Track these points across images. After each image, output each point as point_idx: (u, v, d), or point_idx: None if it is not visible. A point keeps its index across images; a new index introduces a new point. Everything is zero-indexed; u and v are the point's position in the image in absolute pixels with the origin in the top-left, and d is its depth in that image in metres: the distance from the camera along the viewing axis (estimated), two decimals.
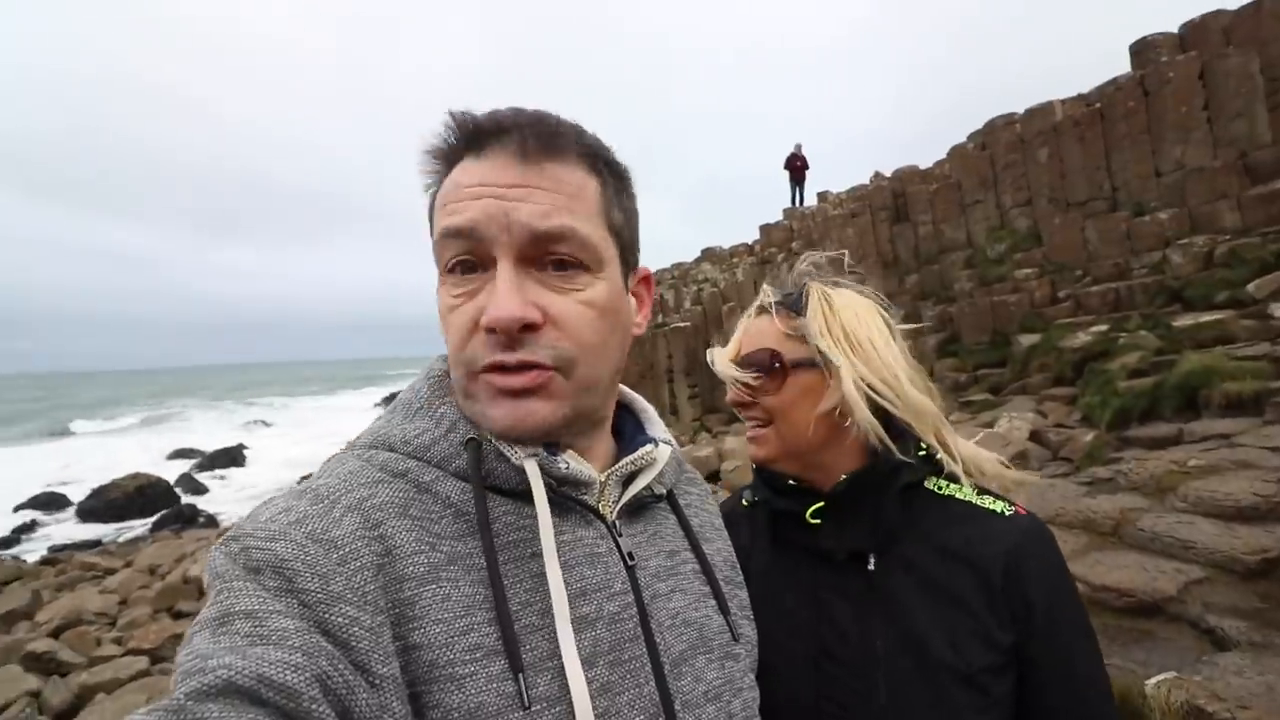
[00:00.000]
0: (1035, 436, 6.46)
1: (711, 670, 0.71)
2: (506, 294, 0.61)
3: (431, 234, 0.69)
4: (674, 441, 0.83)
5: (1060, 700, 0.86)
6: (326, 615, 0.51)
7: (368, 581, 0.55)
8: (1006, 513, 0.93)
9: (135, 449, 29.45)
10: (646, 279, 0.79)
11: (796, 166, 18.55)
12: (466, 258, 0.64)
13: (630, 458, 0.74)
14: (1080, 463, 5.64)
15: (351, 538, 0.56)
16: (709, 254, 19.11)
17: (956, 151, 12.52)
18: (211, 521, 16.80)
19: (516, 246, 0.62)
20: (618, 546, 0.69)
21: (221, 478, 24.28)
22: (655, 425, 0.82)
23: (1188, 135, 8.94)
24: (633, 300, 0.76)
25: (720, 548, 0.86)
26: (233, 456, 27.17)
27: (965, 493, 0.95)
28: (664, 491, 0.78)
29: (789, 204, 18.44)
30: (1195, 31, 9.55)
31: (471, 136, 0.65)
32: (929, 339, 10.32)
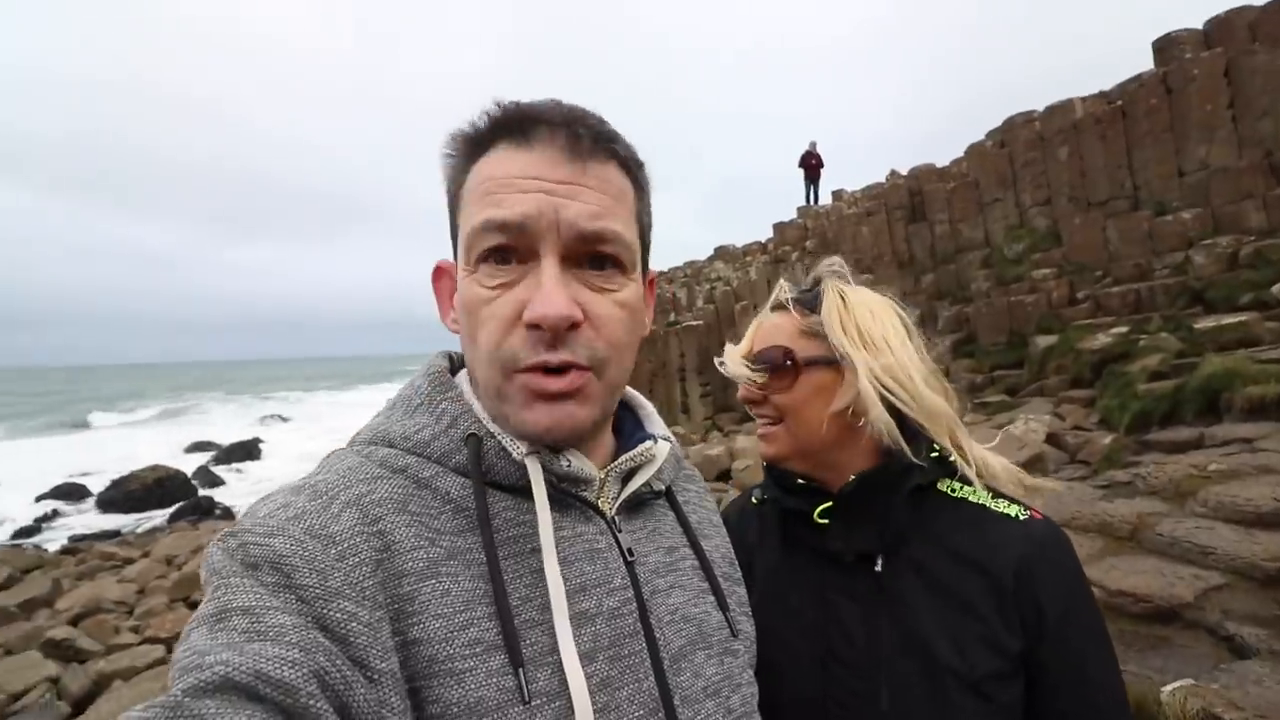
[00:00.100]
0: (1052, 439, 6.38)
1: (711, 666, 0.71)
2: (555, 291, 0.61)
3: (454, 218, 0.68)
4: (672, 438, 0.83)
5: (1071, 706, 0.84)
6: (324, 611, 0.51)
7: (366, 577, 0.54)
8: (1021, 517, 0.91)
9: (153, 442, 29.90)
10: (652, 282, 0.80)
11: (811, 165, 18.43)
12: (504, 248, 0.63)
13: (629, 454, 0.74)
14: (1098, 466, 5.57)
15: (350, 533, 0.56)
16: (722, 252, 19.06)
17: (975, 150, 12.37)
18: (228, 514, 17.00)
19: (563, 244, 0.62)
20: (617, 542, 0.69)
21: (238, 471, 24.57)
22: (654, 422, 0.83)
23: (1212, 134, 8.78)
24: None
25: (718, 544, 0.85)
26: (249, 450, 27.48)
27: (979, 495, 0.93)
28: (663, 488, 0.78)
29: (803, 202, 18.34)
30: (1220, 28, 9.36)
31: (518, 125, 0.64)
32: (945, 339, 10.22)
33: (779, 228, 17.39)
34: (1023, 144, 11.06)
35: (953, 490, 0.94)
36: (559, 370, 0.63)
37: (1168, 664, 2.57)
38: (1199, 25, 9.68)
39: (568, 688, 0.58)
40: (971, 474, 0.92)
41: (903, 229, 12.74)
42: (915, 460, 0.89)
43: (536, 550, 0.63)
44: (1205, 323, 7.14)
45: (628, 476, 0.74)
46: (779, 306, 1.00)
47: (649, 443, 0.76)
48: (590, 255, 0.64)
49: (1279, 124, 8.30)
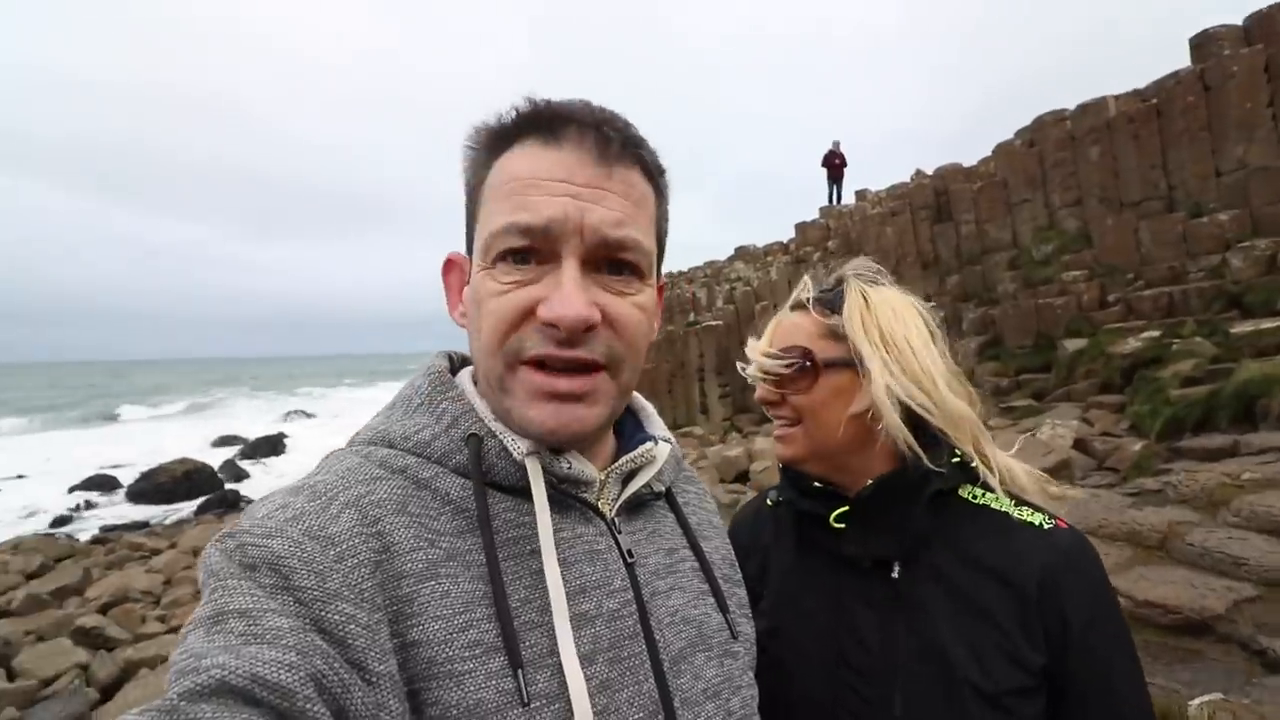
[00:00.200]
0: (1080, 445, 6.24)
1: (710, 668, 0.70)
2: (575, 293, 0.61)
3: (474, 211, 0.68)
4: (673, 439, 0.83)
5: (1097, 719, 0.81)
6: (322, 613, 0.51)
7: (365, 578, 0.54)
8: (1045, 525, 0.88)
9: (181, 435, 30.61)
10: (662, 288, 0.80)
11: (834, 164, 18.26)
12: (525, 250, 0.62)
13: (630, 455, 0.73)
14: (1127, 473, 5.45)
15: (349, 534, 0.56)
16: (742, 252, 18.95)
17: (1003, 149, 12.14)
18: None
19: (585, 248, 0.62)
20: (617, 544, 0.69)
21: (263, 465, 25.06)
22: (654, 423, 0.82)
23: (1251, 133, 8.51)
24: None
25: (718, 545, 0.85)
26: (274, 445, 28.04)
27: (1001, 503, 0.90)
28: (663, 489, 0.78)
29: (826, 202, 18.18)
30: (1261, 24, 9.06)
31: (548, 122, 0.64)
32: (970, 342, 10.05)
33: (801, 228, 17.26)
34: (1053, 143, 10.83)
35: (974, 497, 0.92)
36: (569, 370, 0.62)
37: (1197, 677, 2.51)
38: (1239, 21, 9.40)
39: (567, 690, 0.57)
40: (994, 481, 0.89)
41: (928, 229, 12.56)
42: (934, 467, 0.87)
43: (536, 552, 0.62)
44: (1242, 327, 6.94)
45: (628, 478, 0.74)
46: (799, 305, 0.98)
47: (649, 444, 0.76)
48: (609, 260, 0.64)
49: None
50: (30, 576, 9.66)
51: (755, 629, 0.86)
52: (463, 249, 0.72)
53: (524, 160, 0.63)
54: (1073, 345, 8.53)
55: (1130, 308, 8.71)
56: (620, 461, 0.73)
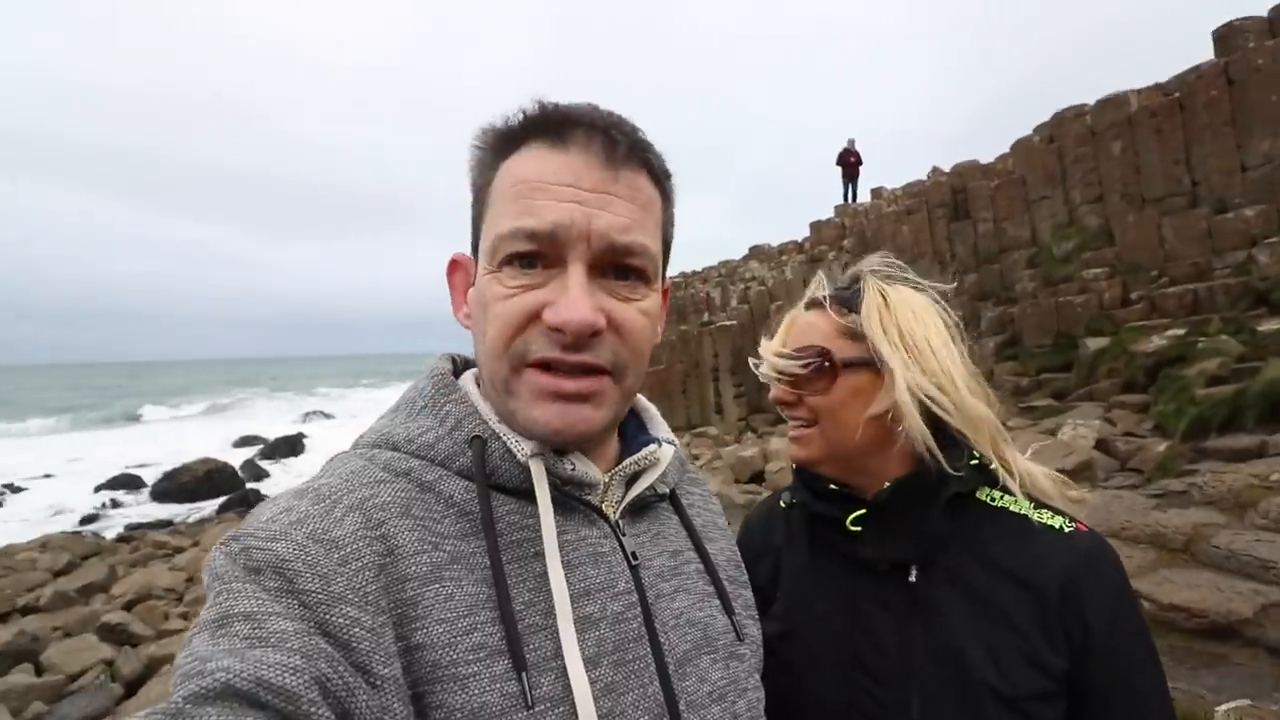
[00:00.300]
0: (1102, 445, 6.14)
1: (716, 670, 0.70)
2: (581, 298, 0.61)
3: (479, 212, 0.67)
4: (676, 441, 0.83)
5: None
6: (327, 616, 0.51)
7: (369, 582, 0.54)
8: (1066, 529, 0.87)
9: (203, 436, 31.08)
10: (667, 291, 0.80)
11: (850, 162, 18.13)
12: (531, 254, 0.62)
13: (634, 457, 0.73)
14: (1151, 474, 5.36)
15: (353, 538, 0.56)
16: (757, 252, 18.88)
17: (1021, 145, 11.98)
18: None
19: (592, 254, 0.62)
20: (621, 546, 0.69)
21: (283, 465, 25.37)
22: (657, 425, 0.82)
23: (1277, 127, 8.33)
24: None
25: (724, 547, 0.84)
26: (293, 445, 28.39)
27: (1021, 505, 0.89)
28: (667, 491, 0.78)
29: (841, 201, 18.05)
30: None
31: (555, 125, 0.64)
32: (988, 341, 9.93)
33: (816, 226, 17.16)
34: (1073, 139, 10.67)
35: (992, 499, 0.91)
36: (575, 371, 0.62)
37: (1222, 683, 2.46)
38: (1264, 13, 9.20)
39: (572, 693, 0.57)
40: (1014, 484, 0.88)
41: (945, 227, 12.43)
42: (952, 470, 0.86)
43: (540, 554, 0.62)
44: (1269, 325, 6.80)
45: (632, 480, 0.74)
46: (815, 304, 0.96)
47: (653, 446, 0.75)
48: (616, 265, 0.64)
49: None
50: (58, 574, 9.85)
51: (767, 631, 0.86)
52: (468, 250, 0.72)
53: (530, 163, 0.63)
54: (1094, 344, 8.39)
55: (1154, 305, 8.56)
56: (624, 464, 0.72)
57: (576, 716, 0.57)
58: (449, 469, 0.64)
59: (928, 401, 0.86)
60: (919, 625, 0.85)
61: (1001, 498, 0.90)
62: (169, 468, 21.35)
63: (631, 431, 0.79)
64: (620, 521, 0.71)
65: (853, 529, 0.91)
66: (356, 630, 0.51)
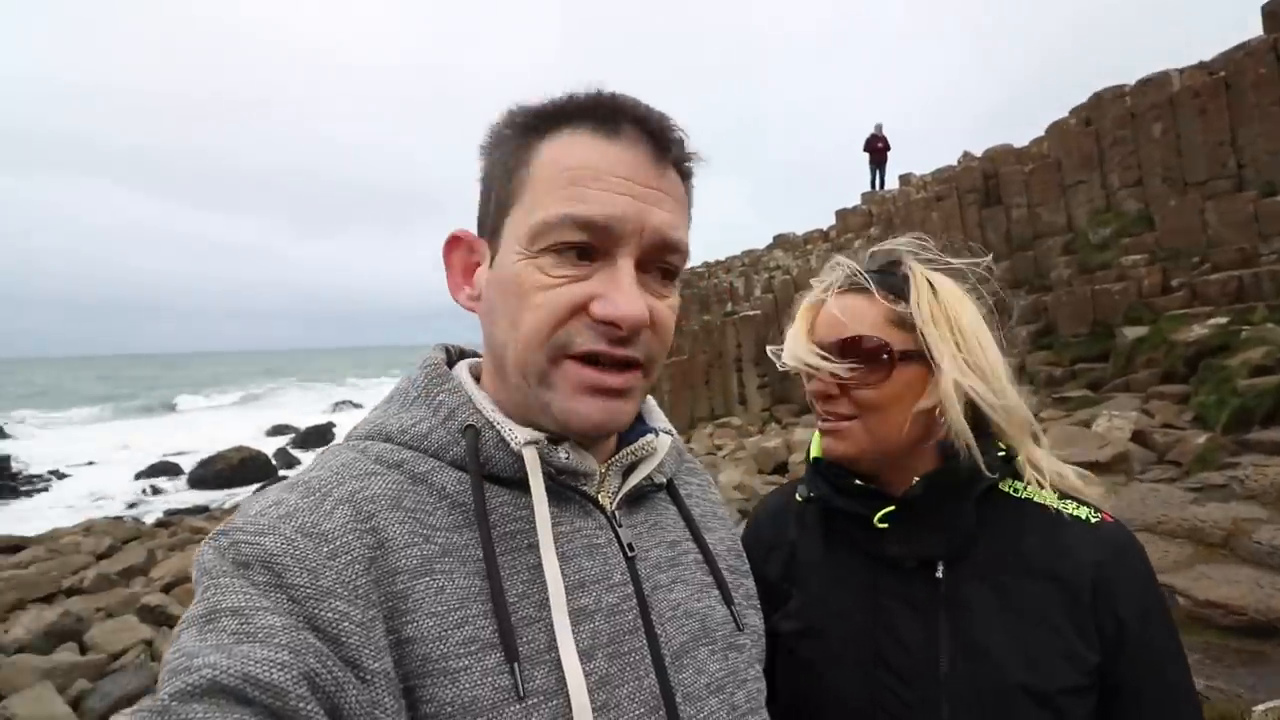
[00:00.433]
0: (1138, 437, 5.97)
1: (714, 662, 0.69)
2: (634, 293, 0.61)
3: (510, 192, 0.64)
4: (674, 431, 0.81)
5: (1153, 712, 0.80)
6: (316, 610, 0.50)
7: (359, 575, 0.54)
8: (1093, 520, 0.86)
9: (237, 425, 31.94)
10: None
11: (877, 148, 17.76)
12: (582, 245, 0.61)
13: (631, 447, 0.72)
14: (1190, 467, 5.21)
15: (342, 531, 0.55)
16: (781, 240, 18.66)
17: (1057, 128, 11.62)
18: None
19: (642, 249, 0.62)
20: (617, 537, 0.68)
21: (314, 453, 25.98)
22: (654, 415, 0.81)
23: None
24: None
25: (723, 537, 0.84)
26: (323, 434, 29.04)
27: (1046, 497, 0.87)
28: (664, 481, 0.77)
29: (868, 188, 17.74)
30: None
31: (607, 113, 0.62)
32: (1020, 330, 9.70)
33: (841, 214, 16.89)
34: (1111, 121, 10.32)
35: (1016, 491, 0.89)
36: (618, 366, 0.62)
37: (1261, 682, 2.38)
38: None
39: (565, 686, 0.56)
40: (1044, 476, 0.87)
41: (976, 214, 12.14)
42: (985, 463, 0.84)
43: (534, 546, 0.61)
44: None
45: (629, 470, 0.73)
46: (857, 288, 0.90)
47: (650, 436, 0.74)
48: (656, 262, 0.64)
49: None
50: (100, 557, 10.21)
51: (784, 629, 0.85)
52: (471, 224, 0.70)
53: (578, 149, 0.61)
54: (1132, 333, 8.15)
55: (1195, 293, 8.27)
56: (621, 453, 0.71)
57: (570, 709, 0.56)
58: (442, 460, 0.64)
59: (974, 395, 0.84)
60: (945, 622, 0.83)
61: (1024, 489, 0.89)
62: (205, 456, 22.03)
63: None
64: (617, 512, 0.70)
65: (879, 525, 0.88)
66: (346, 624, 0.51)
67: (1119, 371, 8.02)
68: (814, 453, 0.99)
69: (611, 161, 0.61)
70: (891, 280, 0.89)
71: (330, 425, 31.00)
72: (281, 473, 20.93)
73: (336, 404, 43.34)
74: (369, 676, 0.50)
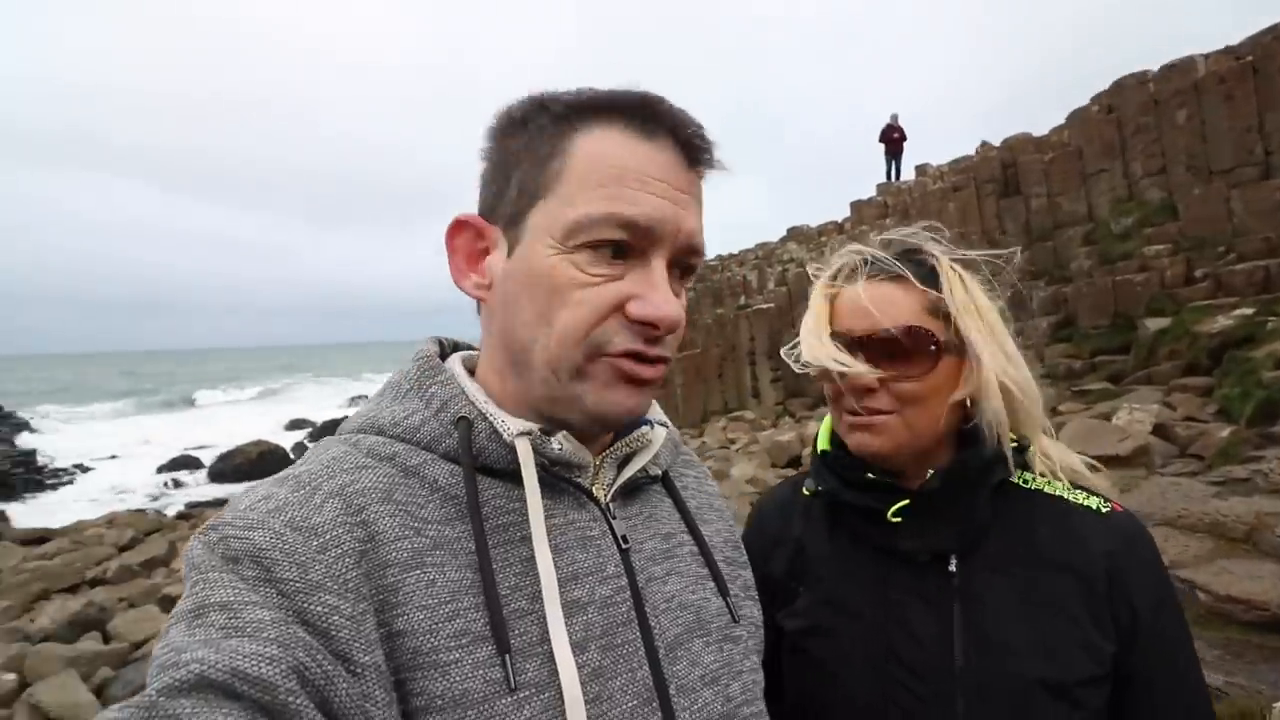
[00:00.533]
0: (1159, 430, 5.86)
1: (709, 654, 0.69)
2: (670, 296, 0.62)
3: (539, 180, 0.62)
4: (669, 423, 0.81)
5: (1165, 701, 0.80)
6: (305, 604, 0.50)
7: (349, 569, 0.53)
8: (1103, 509, 0.85)
9: (255, 419, 32.43)
10: None
11: (893, 139, 17.54)
12: (620, 243, 0.61)
13: (626, 439, 0.72)
14: (1213, 460, 5.11)
15: (332, 524, 0.55)
16: (795, 233, 18.52)
17: (1078, 116, 11.42)
18: None
19: (673, 252, 0.63)
20: (611, 530, 0.68)
21: None
22: (651, 408, 0.80)
23: None
24: None
25: (720, 529, 0.83)
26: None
27: (1055, 487, 0.87)
28: (659, 473, 0.76)
29: (884, 179, 17.54)
30: None
31: (646, 112, 0.63)
32: (1040, 322, 9.55)
33: (856, 206, 16.73)
34: (1134, 108, 10.11)
35: (1025, 481, 0.88)
36: (650, 361, 0.63)
37: None
38: None
39: (558, 678, 0.56)
40: (1054, 465, 0.87)
41: (994, 204, 11.97)
42: (1003, 454, 0.84)
43: (526, 538, 0.61)
44: None
45: (624, 463, 0.72)
46: (889, 275, 0.86)
47: (645, 428, 0.74)
48: (682, 263, 0.65)
49: None
50: (123, 549, 10.42)
51: (792, 627, 0.84)
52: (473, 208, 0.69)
53: (616, 146, 0.61)
54: (1155, 324, 8.00)
55: (1220, 283, 8.09)
56: (615, 445, 0.71)
57: (562, 701, 0.56)
58: (435, 452, 0.63)
59: (1011, 384, 0.83)
60: (959, 615, 0.82)
61: (1033, 479, 0.88)
62: (224, 450, 22.38)
63: None
64: (611, 504, 0.70)
65: (893, 520, 0.86)
66: (336, 618, 0.50)
67: (1140, 364, 7.89)
68: (821, 445, 0.97)
69: (651, 163, 0.62)
70: (920, 268, 0.86)
71: (346, 419, 31.44)
72: None
73: (352, 398, 43.86)
74: (360, 670, 0.50)
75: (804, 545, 0.95)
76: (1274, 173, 8.47)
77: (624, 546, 0.68)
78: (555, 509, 0.65)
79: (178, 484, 20.66)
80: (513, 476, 0.63)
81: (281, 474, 0.60)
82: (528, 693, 0.55)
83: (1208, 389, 6.63)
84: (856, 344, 0.85)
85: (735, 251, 19.35)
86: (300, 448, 24.61)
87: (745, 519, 1.07)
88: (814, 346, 0.86)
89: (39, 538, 11.47)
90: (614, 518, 0.69)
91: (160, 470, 22.21)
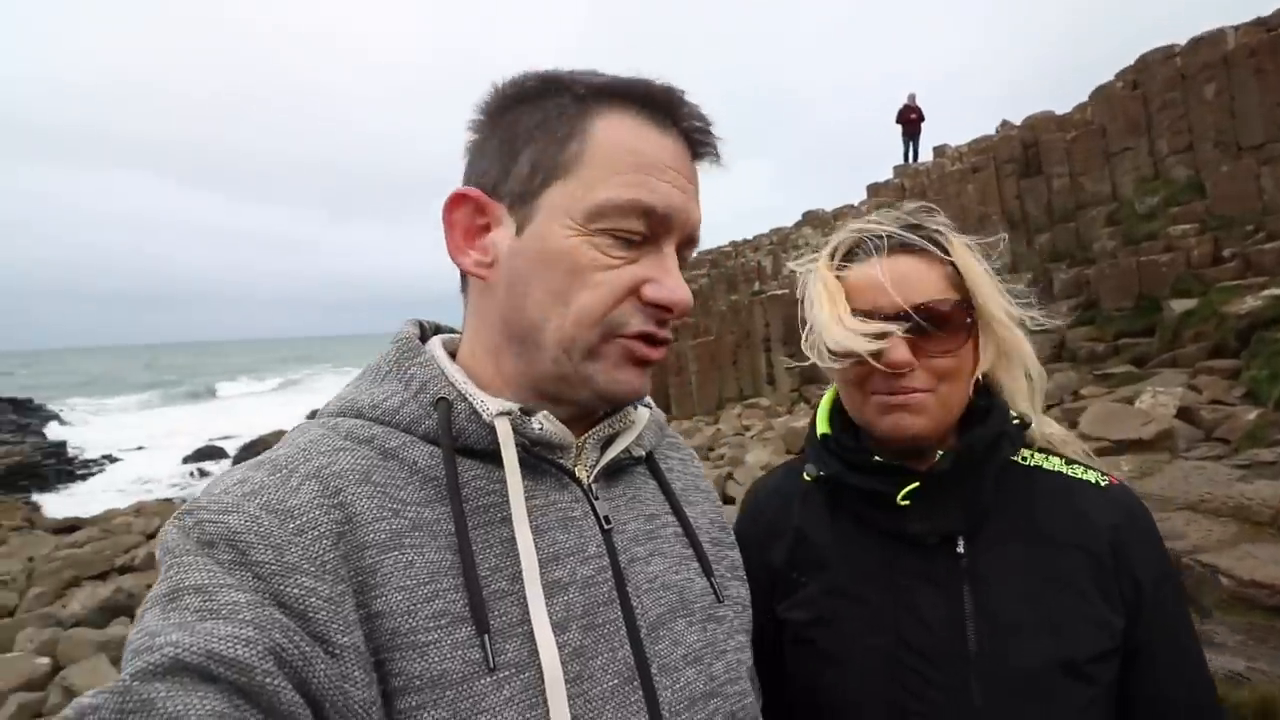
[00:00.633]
0: (1184, 414, 5.73)
1: (692, 633, 0.69)
2: (681, 281, 0.65)
3: (558, 161, 0.62)
4: (653, 404, 0.81)
5: (1168, 674, 0.80)
6: (281, 587, 0.50)
7: (326, 550, 0.54)
8: (1101, 483, 0.85)
9: (276, 409, 32.98)
10: None
11: (910, 119, 17.23)
12: (639, 231, 0.63)
13: (609, 420, 0.72)
14: (1239, 444, 4.99)
15: (309, 506, 0.55)
16: (810, 217, 18.31)
17: (1102, 92, 11.11)
18: None
19: (680, 239, 0.66)
20: (594, 510, 0.68)
21: None
22: None
23: None
24: None
25: (705, 510, 0.82)
26: None
27: (1053, 462, 0.87)
28: (643, 454, 0.76)
29: (901, 161, 17.26)
30: None
31: (666, 104, 0.65)
32: (1061, 304, 9.37)
33: (873, 189, 16.49)
34: (1160, 83, 9.82)
35: (1024, 459, 0.88)
36: (659, 342, 0.66)
37: None
38: None
39: (538, 658, 0.56)
40: (1055, 440, 0.88)
41: (1014, 185, 11.73)
42: (1008, 431, 0.84)
43: (507, 519, 0.61)
44: None
45: (607, 443, 0.72)
46: (907, 249, 0.83)
47: (629, 408, 0.74)
48: (682, 250, 0.68)
49: None
50: (150, 536, 10.65)
51: (798, 618, 0.84)
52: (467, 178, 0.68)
53: (635, 134, 0.63)
54: (1180, 306, 7.81)
55: (1249, 263, 7.87)
56: (599, 426, 0.71)
57: (542, 680, 0.56)
58: (414, 434, 0.63)
59: (1028, 357, 0.84)
60: (970, 599, 0.81)
61: (1032, 455, 0.88)
62: (248, 440, 22.79)
63: None
64: (594, 485, 0.70)
65: (901, 503, 0.84)
66: (313, 600, 0.50)
67: (1165, 346, 7.72)
68: (820, 429, 0.94)
69: (665, 152, 0.64)
70: (932, 241, 0.84)
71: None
72: None
73: None
74: (338, 651, 0.50)
75: (804, 533, 0.93)
76: None
77: (606, 527, 0.68)
78: (536, 490, 0.65)
79: (203, 474, 21.09)
80: (493, 457, 0.63)
81: (259, 458, 0.60)
82: (507, 672, 0.55)
83: (1234, 371, 6.47)
84: (889, 322, 0.80)
85: (750, 237, 19.18)
86: None
87: None
88: (838, 331, 0.80)
89: (70, 526, 11.78)
90: (596, 498, 0.69)
91: (186, 460, 22.70)
